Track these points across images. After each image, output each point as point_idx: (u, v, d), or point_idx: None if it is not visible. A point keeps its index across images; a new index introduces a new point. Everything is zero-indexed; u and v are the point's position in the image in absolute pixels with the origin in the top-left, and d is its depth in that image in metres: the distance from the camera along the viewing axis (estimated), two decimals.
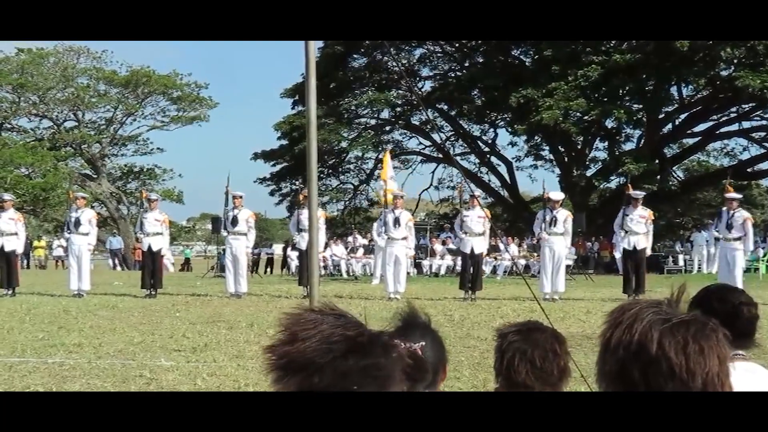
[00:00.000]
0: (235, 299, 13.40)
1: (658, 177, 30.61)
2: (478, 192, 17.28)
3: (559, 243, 13.53)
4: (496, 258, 23.97)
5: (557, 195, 14.53)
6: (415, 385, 1.92)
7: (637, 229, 13.33)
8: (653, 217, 13.61)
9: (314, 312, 1.34)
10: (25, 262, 33.10)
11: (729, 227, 13.00)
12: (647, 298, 1.38)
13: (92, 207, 20.30)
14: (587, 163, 33.17)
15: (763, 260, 23.58)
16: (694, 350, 1.26)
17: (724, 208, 13.22)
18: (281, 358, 1.28)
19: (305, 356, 1.26)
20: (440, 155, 35.82)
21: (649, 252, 13.64)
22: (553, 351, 2.16)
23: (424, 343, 1.94)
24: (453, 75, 34.66)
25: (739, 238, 12.83)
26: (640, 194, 13.90)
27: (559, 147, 32.79)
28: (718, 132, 32.77)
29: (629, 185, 14.78)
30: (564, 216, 13.70)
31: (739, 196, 13.64)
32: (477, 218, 13.80)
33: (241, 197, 14.71)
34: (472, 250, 13.71)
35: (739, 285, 10.18)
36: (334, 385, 1.25)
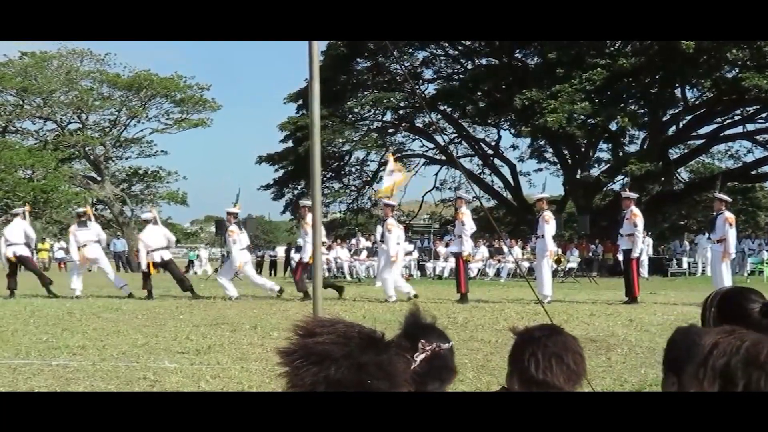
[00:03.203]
0: (237, 301, 13.44)
1: (662, 179, 30.58)
2: (471, 195, 17.32)
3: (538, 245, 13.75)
4: (499, 260, 23.95)
5: (537, 196, 14.69)
6: (443, 385, 1.94)
7: (624, 230, 13.32)
8: (635, 218, 13.13)
9: (327, 317, 1.39)
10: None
11: (712, 229, 12.97)
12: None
13: (95, 209, 20.28)
14: (591, 164, 33.14)
15: (767, 263, 23.54)
16: None
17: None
18: (298, 350, 1.30)
19: (324, 347, 1.29)
20: (443, 157, 35.84)
21: (636, 254, 13.35)
22: (580, 354, 2.19)
23: (452, 343, 1.95)
24: (456, 77, 34.67)
25: (722, 240, 12.69)
26: (630, 195, 13.83)
27: (563, 149, 32.78)
28: (722, 134, 32.73)
29: (626, 188, 14.69)
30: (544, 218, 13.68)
31: (724, 197, 13.38)
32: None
33: (233, 215, 14.62)
34: None
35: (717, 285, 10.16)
36: (349, 378, 1.27)
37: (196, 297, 14.02)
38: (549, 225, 13.45)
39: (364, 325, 1.37)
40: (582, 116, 27.12)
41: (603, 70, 26.48)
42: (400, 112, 34.57)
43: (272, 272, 32.42)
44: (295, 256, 25.68)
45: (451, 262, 23.73)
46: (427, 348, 1.55)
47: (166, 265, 14.95)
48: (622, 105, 28.22)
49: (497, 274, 23.49)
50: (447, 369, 1.96)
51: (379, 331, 1.36)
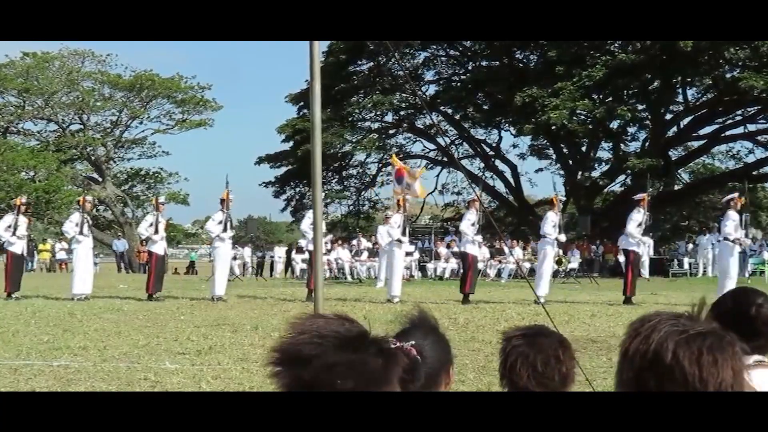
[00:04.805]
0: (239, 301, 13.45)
1: (663, 179, 30.59)
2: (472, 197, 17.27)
3: None
4: (500, 261, 23.95)
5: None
6: (407, 386, 1.90)
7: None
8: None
9: (319, 315, 1.34)
10: (30, 264, 33.20)
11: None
12: (668, 310, 1.41)
13: (96, 210, 20.18)
14: (592, 165, 33.15)
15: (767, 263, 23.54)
16: (707, 361, 1.29)
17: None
18: (277, 352, 1.27)
19: (296, 348, 1.25)
20: (445, 159, 35.82)
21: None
22: (555, 356, 2.14)
23: (413, 342, 1.90)
24: (457, 78, 34.66)
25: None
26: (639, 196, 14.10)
27: (564, 149, 32.76)
28: (723, 135, 32.73)
29: (647, 197, 14.75)
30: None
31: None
32: None
33: (221, 200, 14.62)
34: None
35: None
36: (319, 379, 1.22)
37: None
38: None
39: (351, 325, 1.30)
40: (583, 114, 27.13)
41: (603, 67, 26.45)
42: (401, 113, 34.56)
43: (272, 273, 32.39)
44: (295, 257, 25.78)
45: (452, 263, 23.76)
46: (391, 345, 1.53)
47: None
48: (622, 102, 28.18)
49: (498, 274, 23.48)
50: (410, 370, 1.92)
51: (361, 330, 1.30)
